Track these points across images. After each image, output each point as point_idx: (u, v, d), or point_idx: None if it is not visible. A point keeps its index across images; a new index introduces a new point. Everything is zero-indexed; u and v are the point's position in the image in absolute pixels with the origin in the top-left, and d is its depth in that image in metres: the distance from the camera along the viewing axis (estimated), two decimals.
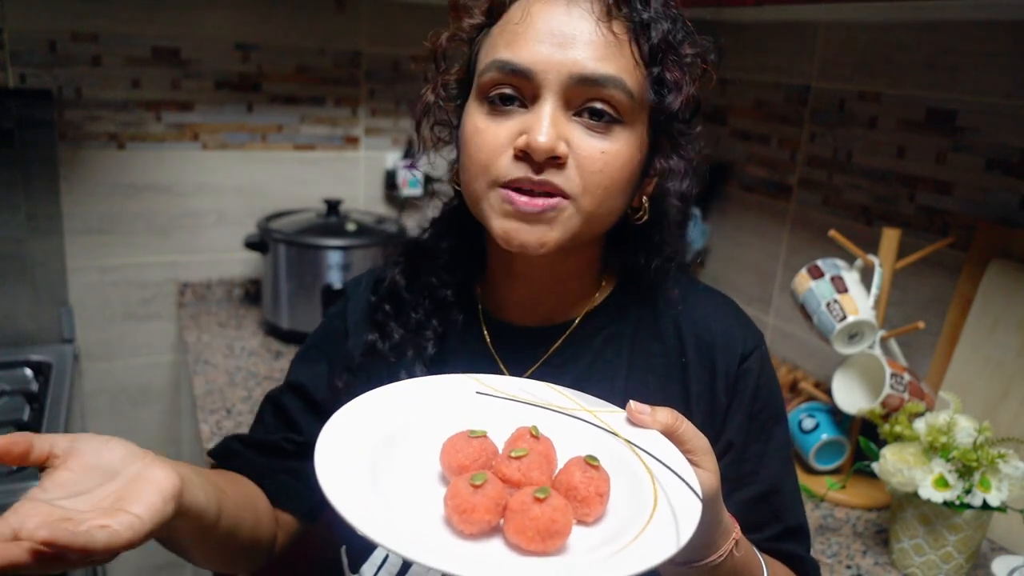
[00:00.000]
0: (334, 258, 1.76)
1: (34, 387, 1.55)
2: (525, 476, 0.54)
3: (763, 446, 0.77)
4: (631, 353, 0.78)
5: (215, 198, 1.94)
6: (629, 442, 0.59)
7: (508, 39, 0.67)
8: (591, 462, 0.55)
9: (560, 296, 0.78)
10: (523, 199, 0.65)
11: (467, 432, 0.58)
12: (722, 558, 0.62)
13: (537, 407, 0.65)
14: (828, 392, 1.36)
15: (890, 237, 1.32)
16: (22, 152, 1.69)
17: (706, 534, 0.60)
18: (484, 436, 0.58)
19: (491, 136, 0.67)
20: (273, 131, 1.96)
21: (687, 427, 0.59)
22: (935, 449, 1.10)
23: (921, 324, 1.30)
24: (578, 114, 0.66)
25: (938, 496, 1.06)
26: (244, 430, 1.42)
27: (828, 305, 1.29)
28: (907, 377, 1.26)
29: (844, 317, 1.27)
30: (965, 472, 1.07)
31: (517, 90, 0.66)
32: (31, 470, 1.25)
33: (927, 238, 1.39)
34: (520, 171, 0.65)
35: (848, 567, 1.16)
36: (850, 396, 1.31)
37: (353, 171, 2.06)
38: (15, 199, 1.70)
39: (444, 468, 0.57)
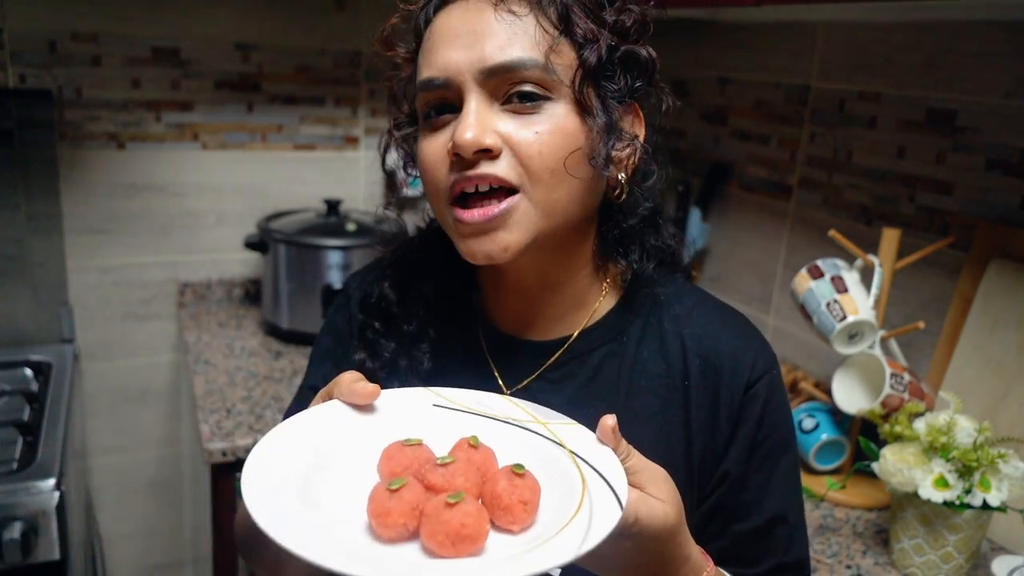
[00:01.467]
0: (334, 258, 1.76)
1: (34, 387, 1.56)
2: (448, 483, 0.54)
3: (766, 476, 0.74)
4: (631, 373, 0.74)
5: (215, 198, 1.94)
6: (572, 453, 0.59)
7: (424, 60, 0.68)
8: (517, 471, 0.54)
9: (556, 305, 0.75)
10: (468, 213, 0.65)
11: (403, 441, 0.58)
12: None
13: (490, 419, 0.64)
14: (828, 392, 1.36)
15: (890, 237, 1.32)
16: (22, 152, 1.69)
17: (665, 569, 0.59)
18: (419, 444, 0.58)
19: (430, 152, 0.67)
20: (273, 131, 1.96)
21: (637, 460, 0.58)
22: (935, 449, 1.10)
23: (921, 324, 1.30)
24: (507, 102, 0.65)
25: (938, 496, 1.06)
26: (244, 430, 1.42)
27: (828, 305, 1.29)
28: (907, 377, 1.26)
29: (844, 317, 1.27)
30: (965, 472, 1.07)
31: (445, 101, 0.67)
32: (32, 470, 1.25)
33: (927, 238, 1.40)
34: (456, 174, 0.65)
35: (848, 567, 1.16)
36: (850, 396, 1.31)
37: (353, 171, 2.06)
38: (15, 199, 1.70)
39: (380, 476, 0.58)
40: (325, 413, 0.62)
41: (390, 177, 0.80)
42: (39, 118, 1.69)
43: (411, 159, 0.76)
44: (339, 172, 2.05)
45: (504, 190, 0.65)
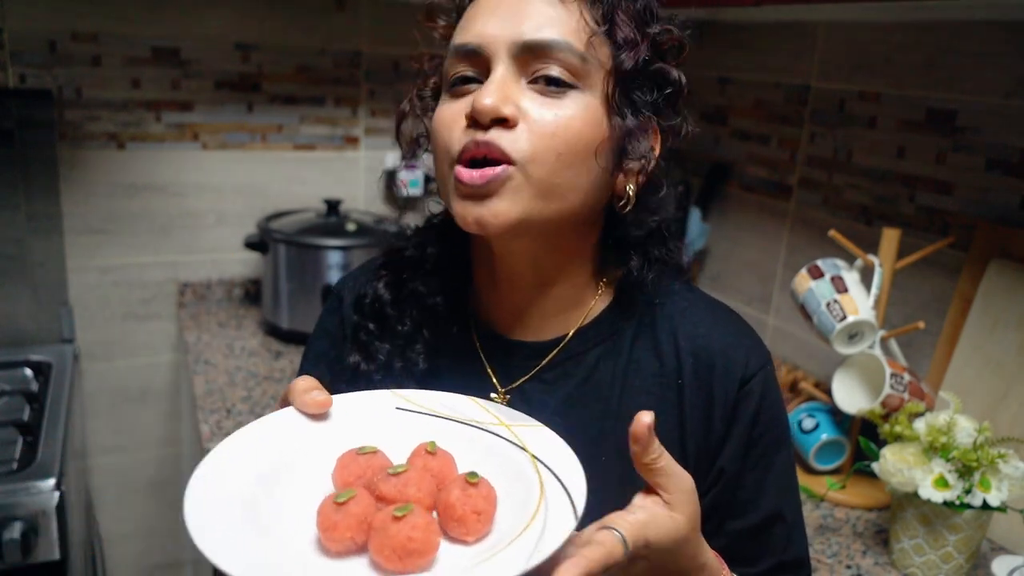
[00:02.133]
0: (334, 258, 1.76)
1: (34, 387, 1.56)
2: (400, 493, 0.53)
3: (762, 474, 0.73)
4: (626, 373, 0.74)
5: (215, 198, 1.94)
6: (534, 458, 0.57)
7: (461, 28, 0.68)
8: (471, 479, 0.53)
9: (552, 306, 0.75)
10: (467, 173, 0.64)
11: (357, 449, 0.57)
12: None
13: (454, 422, 0.63)
14: (828, 392, 1.36)
15: (890, 237, 1.32)
16: (22, 152, 1.69)
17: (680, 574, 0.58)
18: (374, 452, 0.56)
19: (448, 114, 0.67)
20: (273, 131, 1.96)
21: (666, 463, 0.56)
22: (935, 449, 1.10)
23: (921, 324, 1.30)
24: (533, 82, 0.65)
25: (938, 496, 1.06)
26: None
27: (828, 305, 1.29)
28: (907, 377, 1.26)
29: (844, 317, 1.27)
30: (965, 472, 1.07)
31: (474, 70, 0.67)
32: (32, 470, 1.25)
33: (927, 238, 1.40)
34: (468, 137, 0.65)
35: (848, 567, 1.16)
36: (850, 396, 1.31)
37: (353, 171, 2.06)
38: (15, 199, 1.70)
39: (334, 486, 0.56)
40: (283, 420, 0.60)
41: (409, 146, 0.78)
42: (39, 118, 1.69)
43: (424, 135, 0.76)
44: (339, 172, 2.05)
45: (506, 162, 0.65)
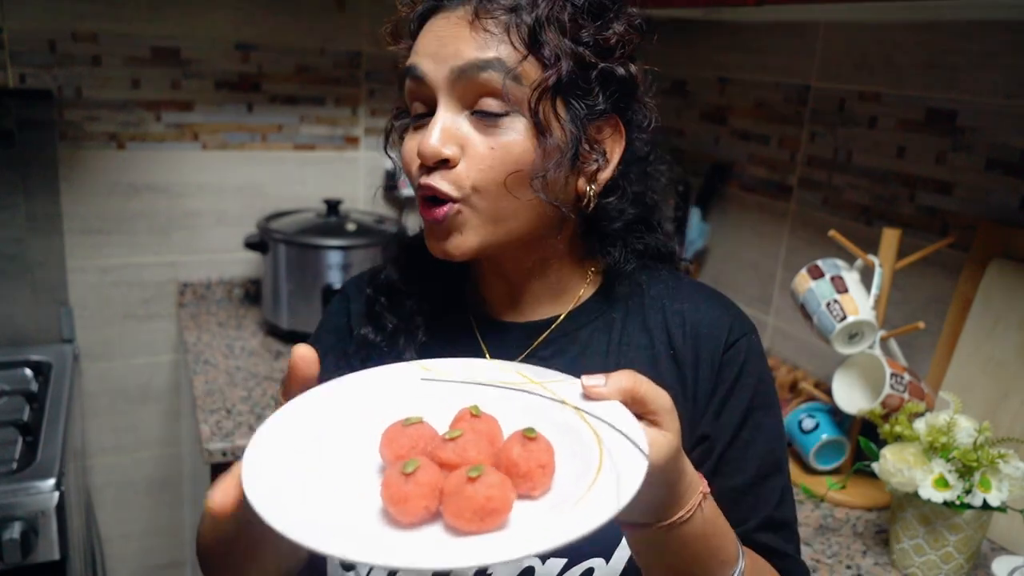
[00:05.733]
0: (334, 258, 1.76)
1: (34, 387, 1.56)
2: (461, 457, 0.53)
3: (751, 434, 0.76)
4: (619, 345, 0.78)
5: (215, 198, 1.94)
6: (578, 409, 0.58)
7: (413, 49, 0.73)
8: (528, 435, 0.53)
9: (541, 291, 0.79)
10: (427, 213, 0.70)
11: (402, 421, 0.56)
12: (691, 513, 0.61)
13: (483, 386, 0.64)
14: (828, 392, 1.36)
15: (890, 237, 1.32)
16: (22, 152, 1.69)
17: (669, 490, 0.59)
18: (420, 422, 0.56)
19: (406, 152, 0.72)
20: (273, 131, 1.96)
21: (647, 387, 0.58)
22: (935, 449, 1.10)
23: (921, 324, 1.30)
24: (474, 112, 0.69)
25: (938, 496, 1.06)
26: (244, 430, 1.42)
27: (828, 305, 1.29)
28: (907, 377, 1.26)
29: (844, 317, 1.27)
30: (965, 472, 1.07)
31: (423, 99, 0.71)
32: (31, 470, 1.25)
33: (927, 238, 1.40)
34: (420, 177, 0.70)
35: (848, 567, 1.16)
36: (850, 396, 1.31)
37: (353, 171, 2.06)
38: (15, 199, 1.70)
39: (384, 460, 0.56)
40: (309, 403, 0.60)
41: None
42: (39, 118, 1.69)
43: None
44: (339, 172, 2.05)
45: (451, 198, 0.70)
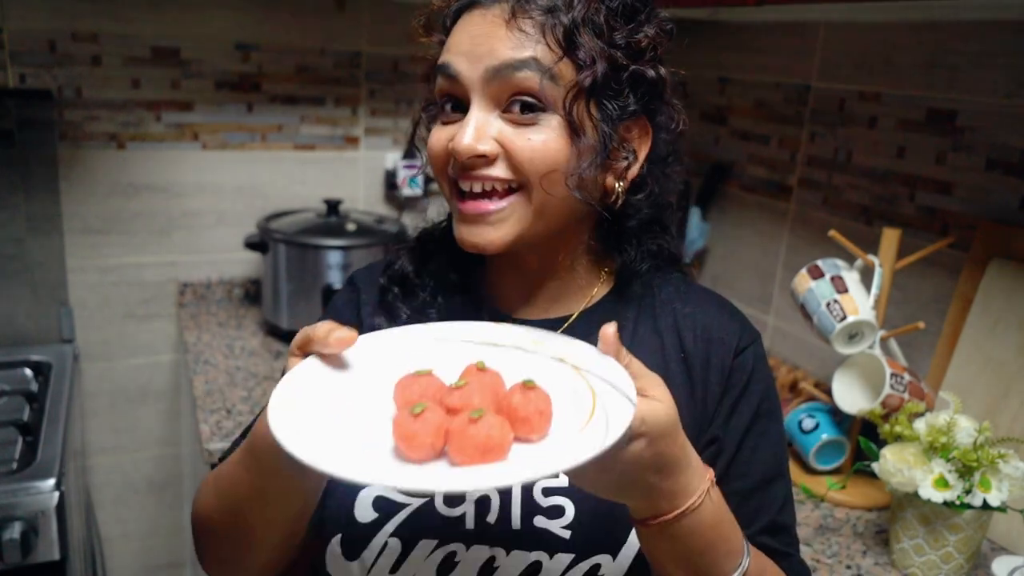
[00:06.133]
0: (334, 258, 1.76)
1: (34, 387, 1.55)
2: (465, 403, 0.57)
3: (757, 440, 0.78)
4: (631, 346, 0.78)
5: (215, 198, 1.94)
6: (576, 368, 0.63)
7: (446, 46, 0.74)
8: (528, 384, 0.58)
9: (557, 289, 0.80)
10: (465, 205, 0.71)
11: (413, 372, 0.61)
12: (700, 499, 0.62)
13: (491, 346, 0.68)
14: (828, 392, 1.36)
15: (890, 237, 1.32)
16: (22, 152, 1.69)
17: (675, 473, 0.60)
18: (429, 374, 0.61)
19: (436, 143, 0.74)
20: (273, 131, 1.96)
21: (637, 366, 0.61)
22: (935, 449, 1.10)
23: (921, 324, 1.30)
24: (507, 111, 0.70)
25: (938, 496, 1.06)
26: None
27: (828, 305, 1.29)
28: (907, 377, 1.26)
29: (844, 317, 1.27)
30: (965, 472, 1.07)
31: (456, 97, 0.72)
32: (32, 470, 1.25)
33: (927, 238, 1.39)
34: (457, 171, 0.71)
35: (848, 567, 1.16)
36: (850, 396, 1.31)
37: (353, 171, 2.06)
38: (15, 199, 1.70)
39: (396, 405, 0.61)
40: (324, 362, 0.64)
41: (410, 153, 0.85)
42: (39, 118, 1.69)
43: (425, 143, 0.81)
44: (339, 172, 2.05)
45: (504, 188, 0.71)
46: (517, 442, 0.56)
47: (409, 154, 2.03)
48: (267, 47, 1.89)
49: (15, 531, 1.18)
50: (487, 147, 0.69)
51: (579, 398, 0.59)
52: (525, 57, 0.68)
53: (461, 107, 0.72)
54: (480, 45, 0.69)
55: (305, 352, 0.64)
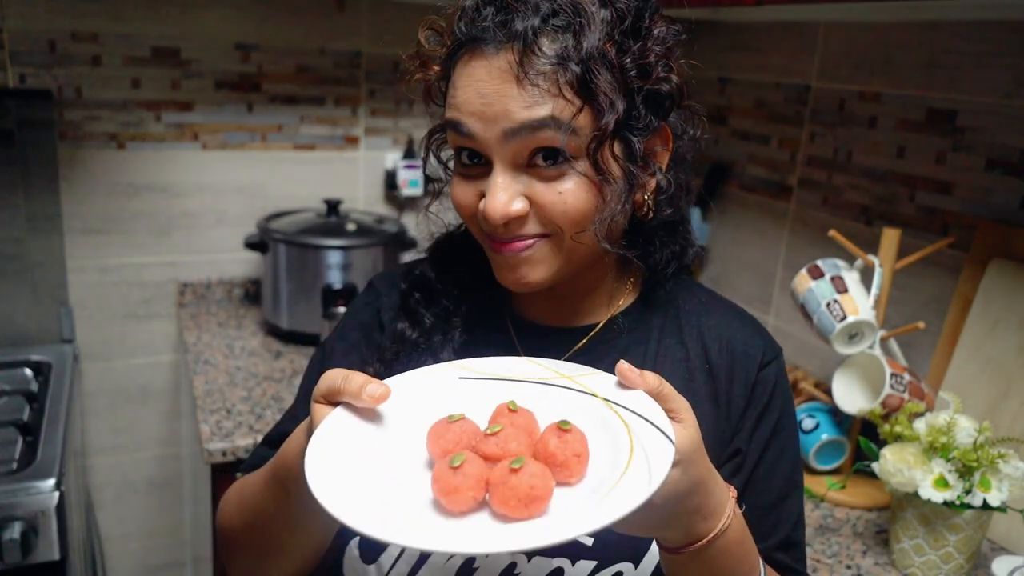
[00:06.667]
0: (334, 258, 1.76)
1: (34, 387, 1.55)
2: (503, 450, 0.57)
3: (777, 455, 0.78)
4: (656, 356, 0.79)
5: (215, 198, 1.94)
6: (607, 400, 0.62)
7: (453, 101, 0.70)
8: (563, 427, 0.57)
9: (582, 301, 0.80)
10: (505, 247, 0.70)
11: (446, 418, 0.60)
12: (727, 524, 0.62)
13: (517, 382, 0.67)
14: (828, 392, 1.36)
15: (890, 237, 1.32)
16: (22, 152, 1.69)
17: (699, 500, 0.60)
18: (462, 418, 0.60)
19: (463, 198, 0.72)
20: (273, 131, 1.96)
21: (669, 389, 0.61)
22: (935, 449, 1.10)
23: (921, 324, 1.30)
24: (531, 164, 0.68)
25: (938, 496, 1.06)
26: (244, 430, 1.42)
27: (828, 305, 1.29)
28: (907, 377, 1.26)
29: (844, 317, 1.27)
30: (965, 472, 1.07)
31: (474, 151, 0.70)
32: (31, 470, 1.25)
33: (927, 238, 1.40)
34: (490, 229, 0.70)
35: (848, 567, 1.16)
36: (850, 396, 1.31)
37: (353, 171, 2.06)
38: (15, 199, 1.70)
39: (431, 455, 0.60)
40: (352, 411, 0.62)
41: (427, 180, 0.82)
42: (39, 118, 1.69)
43: (439, 162, 0.80)
44: (339, 172, 2.05)
45: (534, 234, 0.70)
46: (556, 486, 0.56)
47: (408, 153, 2.03)
48: (267, 47, 1.89)
49: (15, 531, 1.18)
50: (519, 206, 0.68)
51: (613, 434, 0.58)
52: (543, 117, 0.65)
53: (479, 157, 0.70)
54: (492, 105, 0.66)
55: (331, 401, 0.63)
